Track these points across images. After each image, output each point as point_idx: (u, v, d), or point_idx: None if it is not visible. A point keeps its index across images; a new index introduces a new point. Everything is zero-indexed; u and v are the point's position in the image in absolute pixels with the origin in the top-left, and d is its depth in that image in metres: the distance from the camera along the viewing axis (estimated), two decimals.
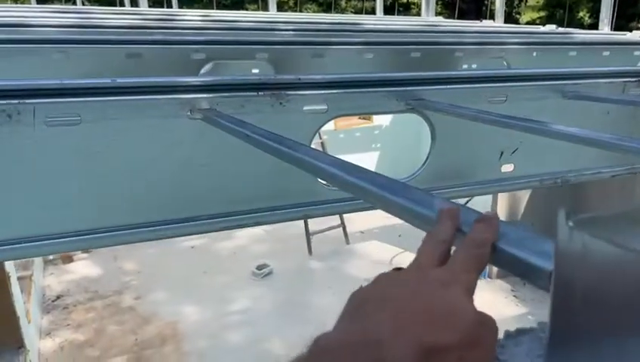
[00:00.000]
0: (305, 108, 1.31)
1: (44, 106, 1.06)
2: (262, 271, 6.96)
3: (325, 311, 5.91)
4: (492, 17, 8.79)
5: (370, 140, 9.83)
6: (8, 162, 1.08)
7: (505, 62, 3.22)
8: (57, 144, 1.11)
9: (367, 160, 9.84)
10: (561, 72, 1.66)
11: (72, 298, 6.89)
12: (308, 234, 7.55)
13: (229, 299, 6.72)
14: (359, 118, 9.70)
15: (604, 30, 6.09)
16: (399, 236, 8.43)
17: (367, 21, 5.86)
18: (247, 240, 7.94)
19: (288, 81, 1.28)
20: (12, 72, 2.11)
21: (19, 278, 5.43)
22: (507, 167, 1.67)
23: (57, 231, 1.17)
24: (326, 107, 1.33)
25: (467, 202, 7.61)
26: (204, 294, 6.78)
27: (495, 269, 7.12)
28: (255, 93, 1.25)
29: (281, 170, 1.35)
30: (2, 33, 2.68)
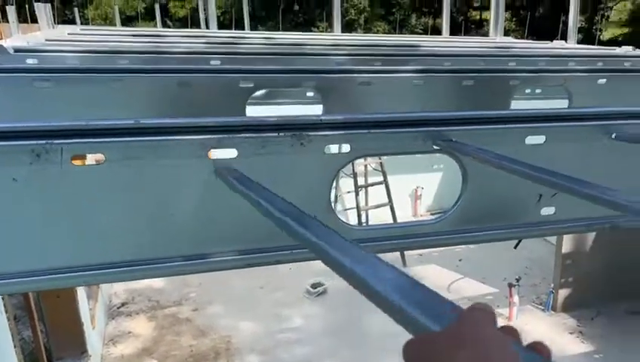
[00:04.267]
0: (326, 149, 1.30)
1: (70, 146, 1.12)
2: (316, 290, 6.97)
3: (377, 335, 5.81)
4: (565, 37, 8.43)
5: (431, 161, 9.65)
6: (41, 198, 1.15)
7: (566, 91, 3.07)
8: (84, 181, 1.16)
9: (428, 181, 9.67)
10: (608, 111, 1.56)
11: (135, 306, 7.19)
12: None
13: (282, 316, 6.76)
14: None
15: None
16: (459, 261, 8.19)
17: (429, 43, 5.79)
18: None
19: (309, 121, 1.28)
20: (71, 98, 2.25)
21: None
22: (547, 210, 1.58)
23: (85, 263, 1.23)
24: (349, 148, 1.32)
25: (519, 243, 7.27)
26: (259, 310, 6.87)
27: (560, 301, 6.74)
28: (275, 134, 1.25)
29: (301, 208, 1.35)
30: (70, 60, 2.87)
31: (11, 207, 1.13)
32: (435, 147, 1.39)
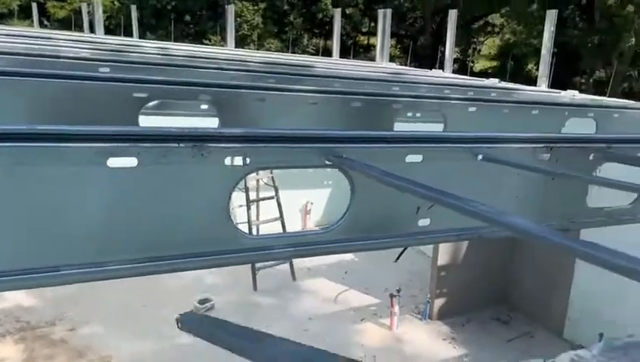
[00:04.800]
0: (226, 160, 1.36)
1: None
2: (204, 306, 6.85)
3: None
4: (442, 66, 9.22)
5: (322, 177, 9.95)
6: None
7: (443, 116, 3.39)
8: None
9: (318, 196, 9.95)
10: (477, 136, 1.78)
11: (1, 327, 6.57)
12: (254, 269, 7.51)
13: (167, 334, 6.55)
14: None
15: (542, 87, 6.48)
16: (345, 273, 8.49)
17: (320, 64, 6.03)
18: (191, 274, 7.82)
19: (210, 133, 1.33)
20: None
21: None
22: (424, 221, 1.76)
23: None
24: (248, 160, 1.39)
25: (400, 255, 7.79)
26: (143, 328, 6.59)
27: (435, 310, 7.25)
28: (176, 145, 1.29)
29: (200, 217, 1.39)
30: None
31: None
32: (327, 162, 1.51)
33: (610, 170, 2.03)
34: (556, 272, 6.53)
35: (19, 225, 1.21)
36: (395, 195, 1.67)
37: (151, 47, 5.60)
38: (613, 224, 2.23)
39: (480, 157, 1.74)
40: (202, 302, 6.94)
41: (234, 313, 7.02)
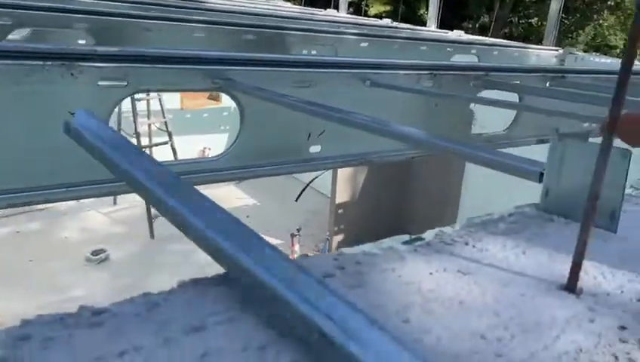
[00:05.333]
0: (100, 82, 1.26)
1: None
2: (98, 257, 6.56)
3: None
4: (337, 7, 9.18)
5: (219, 122, 9.71)
6: None
7: (335, 51, 3.39)
8: None
9: (215, 141, 9.73)
10: (364, 61, 1.81)
11: None
12: (150, 216, 7.27)
13: (60, 287, 6.24)
14: (207, 98, 9.51)
15: (431, 27, 6.70)
16: (247, 216, 8.50)
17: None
18: (81, 223, 7.43)
19: (81, 52, 1.23)
20: None
21: None
22: (315, 148, 1.78)
23: None
24: (125, 82, 1.30)
25: (311, 182, 7.93)
26: (32, 283, 6.22)
27: (334, 247, 7.54)
28: (41, 63, 1.17)
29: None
30: None
31: None
32: (213, 85, 1.45)
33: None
34: (446, 192, 6.99)
35: None
36: (286, 122, 1.66)
37: None
38: (492, 148, 2.40)
39: (368, 82, 1.77)
40: (96, 253, 6.64)
41: (131, 262, 6.83)
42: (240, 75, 1.48)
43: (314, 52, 3.57)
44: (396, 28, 5.47)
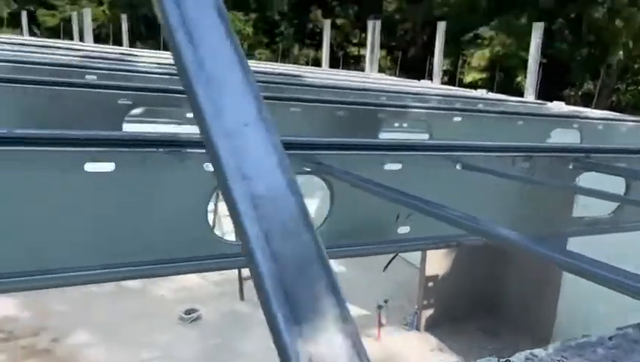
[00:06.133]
0: (205, 166, 1.36)
1: None
2: (190, 316, 6.79)
3: (254, 358, 5.81)
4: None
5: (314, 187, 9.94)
6: None
7: (427, 126, 3.41)
8: None
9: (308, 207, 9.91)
10: (455, 144, 1.81)
11: None
12: (240, 278, 7.46)
13: (154, 343, 6.49)
14: None
15: (529, 98, 6.55)
16: None
17: (310, 74, 6.07)
18: (176, 284, 7.76)
19: (189, 139, 1.34)
20: None
21: None
22: (403, 229, 1.77)
23: None
24: None
25: (393, 258, 7.77)
26: (129, 338, 6.53)
27: (423, 321, 7.25)
28: (155, 150, 1.30)
29: (178, 222, 1.40)
30: None
31: None
32: (306, 169, 1.51)
33: (594, 180, 2.04)
34: (543, 280, 6.55)
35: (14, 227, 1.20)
36: (374, 203, 1.68)
37: (139, 56, 5.60)
38: (594, 233, 2.25)
39: (459, 165, 1.76)
40: (188, 312, 6.89)
41: (222, 322, 6.98)
42: (331, 158, 1.54)
43: (405, 125, 3.61)
44: (491, 100, 5.42)
